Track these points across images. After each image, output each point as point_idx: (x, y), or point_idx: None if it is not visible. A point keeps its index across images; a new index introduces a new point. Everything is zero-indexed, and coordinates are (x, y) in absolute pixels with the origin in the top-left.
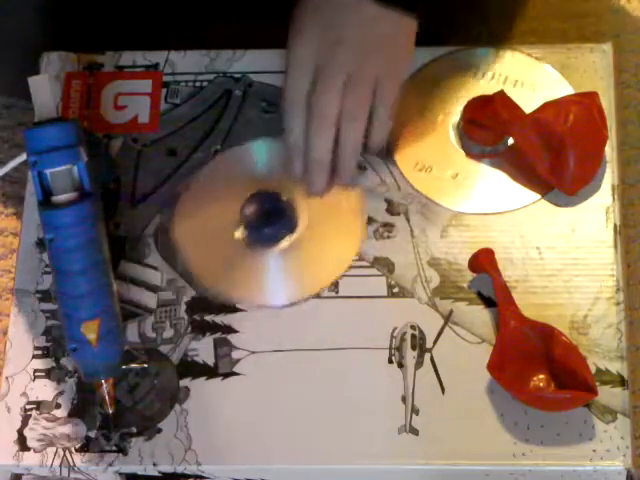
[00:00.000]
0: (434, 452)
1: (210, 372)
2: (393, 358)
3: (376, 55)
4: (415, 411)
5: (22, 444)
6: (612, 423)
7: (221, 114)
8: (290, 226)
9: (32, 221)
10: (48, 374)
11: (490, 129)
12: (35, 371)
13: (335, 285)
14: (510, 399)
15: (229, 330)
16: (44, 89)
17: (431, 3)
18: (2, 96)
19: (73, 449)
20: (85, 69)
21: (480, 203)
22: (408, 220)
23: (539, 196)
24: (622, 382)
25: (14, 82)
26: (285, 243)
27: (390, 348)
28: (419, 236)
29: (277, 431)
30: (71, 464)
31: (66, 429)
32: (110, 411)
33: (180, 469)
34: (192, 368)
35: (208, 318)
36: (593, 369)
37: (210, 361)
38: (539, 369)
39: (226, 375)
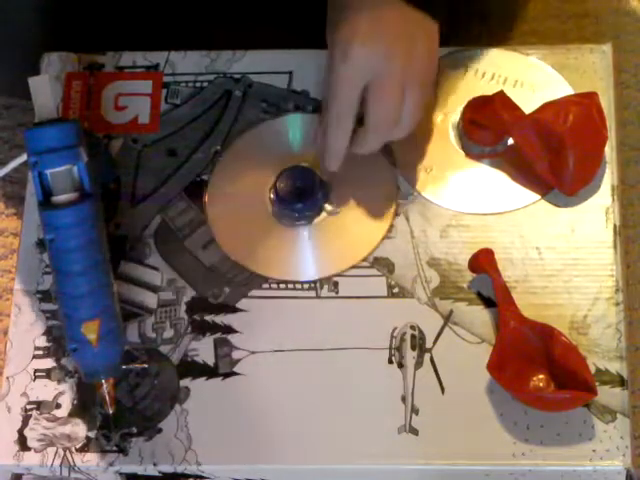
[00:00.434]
0: (434, 452)
1: (210, 372)
2: (393, 358)
3: (422, 59)
4: (415, 411)
5: (22, 444)
6: (612, 423)
7: (221, 115)
8: (322, 202)
9: (32, 221)
10: (48, 374)
11: (490, 129)
12: (35, 371)
13: (335, 284)
14: (510, 399)
15: (229, 330)
16: (44, 89)
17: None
18: (2, 96)
19: (73, 449)
20: (85, 69)
21: (480, 203)
22: (408, 220)
23: (539, 196)
24: (621, 382)
25: (14, 82)
26: (316, 219)
27: (390, 348)
28: (419, 236)
29: (277, 431)
30: (71, 464)
31: (66, 429)
32: (110, 411)
33: (180, 469)
34: (192, 368)
35: (208, 318)
36: (593, 369)
37: (210, 361)
38: (539, 369)
39: (226, 375)
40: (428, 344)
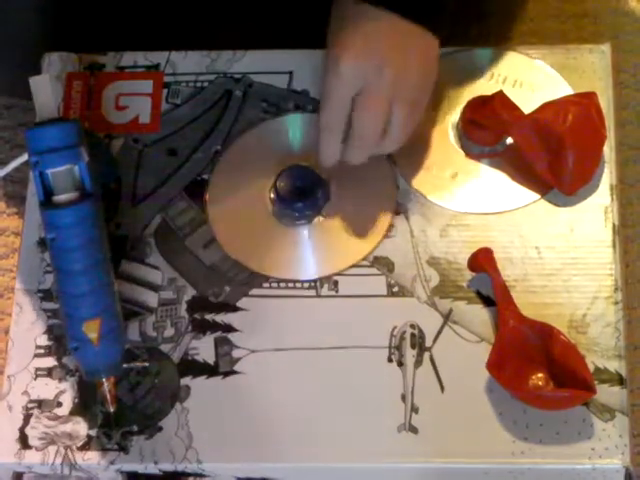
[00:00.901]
0: (433, 450)
1: (211, 371)
2: (393, 357)
3: (415, 75)
4: (414, 410)
5: (24, 442)
6: (610, 421)
7: (221, 114)
8: (322, 201)
9: (33, 221)
10: (50, 373)
11: (489, 129)
12: (37, 370)
13: (335, 283)
14: (509, 398)
15: (229, 329)
16: (45, 89)
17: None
18: (3, 96)
19: (74, 447)
20: (86, 69)
21: (479, 203)
22: (408, 220)
23: (538, 196)
24: (620, 381)
25: (15, 82)
26: (316, 218)
27: (390, 347)
28: (419, 236)
29: (277, 429)
30: (72, 462)
31: (67, 427)
32: (111, 410)
33: (181, 467)
34: (193, 367)
35: (208, 317)
36: (592, 368)
37: (211, 360)
38: (538, 368)
39: (226, 374)
40: (428, 343)
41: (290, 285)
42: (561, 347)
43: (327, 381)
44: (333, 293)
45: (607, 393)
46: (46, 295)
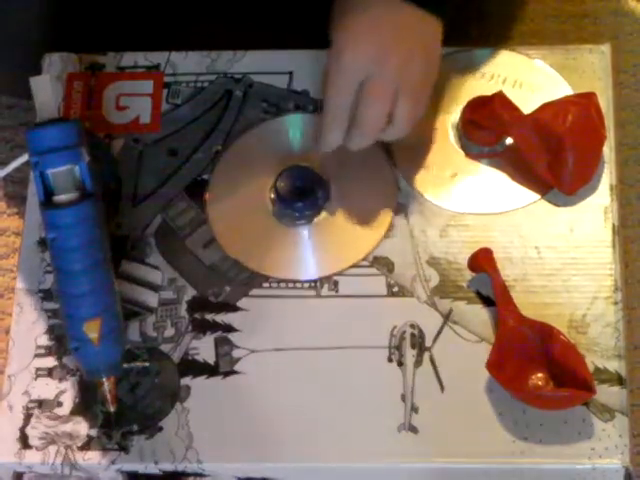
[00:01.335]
0: (433, 450)
1: (211, 371)
2: (393, 357)
3: (419, 62)
4: (414, 409)
5: (24, 442)
6: (610, 421)
7: (222, 115)
8: (322, 201)
9: (34, 221)
10: (50, 373)
11: (489, 129)
12: (37, 370)
13: (335, 283)
14: (509, 398)
15: (230, 329)
16: (45, 89)
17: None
18: (4, 96)
19: (75, 447)
20: (87, 70)
21: (479, 203)
22: (408, 220)
23: (538, 196)
24: (620, 381)
25: (16, 82)
26: (316, 218)
27: (390, 347)
28: (418, 236)
29: (277, 429)
30: (73, 462)
31: (68, 427)
32: (112, 409)
33: (181, 467)
34: (193, 367)
35: (209, 317)
36: (591, 368)
37: (211, 360)
38: (538, 368)
39: (227, 374)
40: (428, 343)
41: (290, 285)
42: (561, 347)
43: (327, 381)
44: (333, 293)
45: (607, 393)
46: (47, 295)
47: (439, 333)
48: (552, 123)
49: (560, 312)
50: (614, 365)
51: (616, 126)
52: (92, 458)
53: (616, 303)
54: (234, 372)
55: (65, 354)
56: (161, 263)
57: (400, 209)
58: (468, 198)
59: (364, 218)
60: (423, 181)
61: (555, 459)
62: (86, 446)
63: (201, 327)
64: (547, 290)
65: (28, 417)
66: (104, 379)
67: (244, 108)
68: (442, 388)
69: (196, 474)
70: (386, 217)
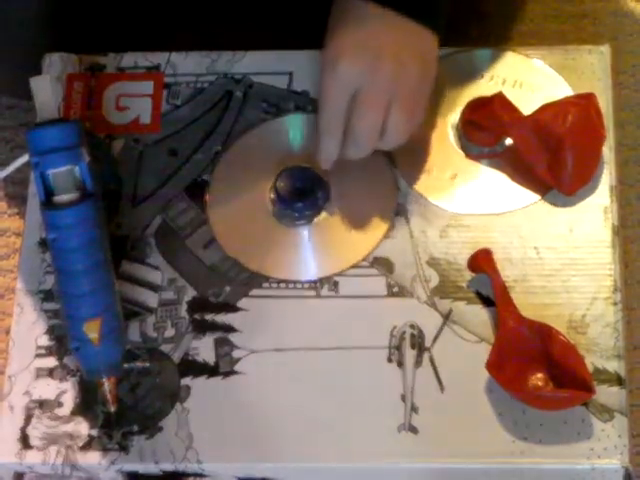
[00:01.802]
0: (433, 451)
1: (211, 371)
2: (392, 357)
3: (413, 73)
4: (414, 410)
5: (25, 442)
6: (610, 422)
7: (222, 115)
8: (322, 202)
9: (34, 221)
10: (51, 373)
11: (489, 130)
12: (38, 370)
13: (335, 284)
14: (509, 398)
15: (230, 329)
16: (45, 89)
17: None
18: (5, 96)
19: (75, 447)
20: (87, 70)
21: (479, 204)
22: (408, 220)
23: (538, 196)
24: (619, 381)
25: (17, 83)
26: (316, 218)
27: (389, 347)
28: (418, 236)
29: (277, 429)
30: (73, 462)
31: (68, 427)
32: (112, 410)
33: (181, 467)
34: (193, 367)
35: (209, 317)
36: (591, 368)
37: (211, 360)
38: (537, 368)
39: (227, 374)
40: (427, 343)
41: (290, 285)
42: (560, 347)
43: (327, 381)
44: (333, 293)
45: (606, 393)
46: (47, 295)
47: (439, 333)
48: (552, 124)
49: (560, 312)
50: (613, 365)
51: (616, 127)
52: (92, 458)
53: (616, 303)
54: (234, 372)
55: (66, 354)
56: (161, 263)
57: (400, 210)
58: (468, 199)
59: (364, 218)
60: (423, 181)
61: (555, 459)
62: (86, 446)
63: (201, 327)
64: (547, 290)
65: (29, 417)
66: (104, 379)
67: (244, 109)
68: (442, 388)
69: (196, 474)
70: (386, 217)
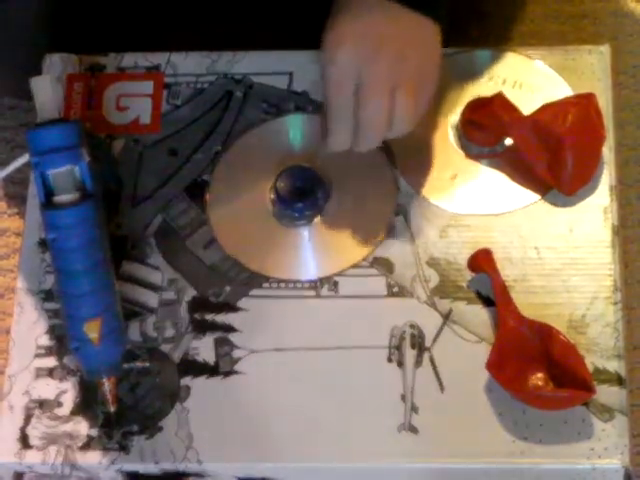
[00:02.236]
0: (433, 450)
1: (211, 371)
2: (392, 357)
3: (414, 59)
4: (414, 409)
5: (24, 442)
6: (610, 421)
7: (222, 115)
8: (322, 202)
9: (34, 221)
10: (51, 373)
11: (489, 130)
12: (38, 370)
13: (335, 284)
14: (509, 398)
15: (230, 329)
16: (46, 90)
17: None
18: (6, 97)
19: (75, 447)
20: (87, 71)
21: (479, 204)
22: (408, 220)
23: (538, 196)
24: (620, 381)
25: (17, 83)
26: (316, 218)
27: (389, 347)
28: (418, 236)
29: (277, 429)
30: (73, 462)
31: (68, 427)
32: (112, 409)
33: (181, 467)
34: (193, 367)
35: (209, 317)
36: (591, 368)
37: (211, 360)
38: (537, 368)
39: (227, 374)
40: (427, 343)
41: (290, 285)
42: (560, 347)
43: (327, 381)
44: (333, 293)
45: (606, 393)
46: (47, 295)
47: (439, 333)
48: (552, 124)
49: (560, 312)
50: (614, 365)
51: (615, 127)
52: (92, 458)
53: (616, 303)
54: (234, 372)
55: (66, 354)
56: (161, 263)
57: (400, 210)
58: (468, 199)
59: (364, 218)
60: (423, 181)
61: (555, 459)
62: (86, 446)
63: (201, 327)
64: (547, 290)
65: (28, 417)
66: (104, 379)
67: (244, 109)
68: (442, 388)
69: (196, 474)
70: (386, 217)
